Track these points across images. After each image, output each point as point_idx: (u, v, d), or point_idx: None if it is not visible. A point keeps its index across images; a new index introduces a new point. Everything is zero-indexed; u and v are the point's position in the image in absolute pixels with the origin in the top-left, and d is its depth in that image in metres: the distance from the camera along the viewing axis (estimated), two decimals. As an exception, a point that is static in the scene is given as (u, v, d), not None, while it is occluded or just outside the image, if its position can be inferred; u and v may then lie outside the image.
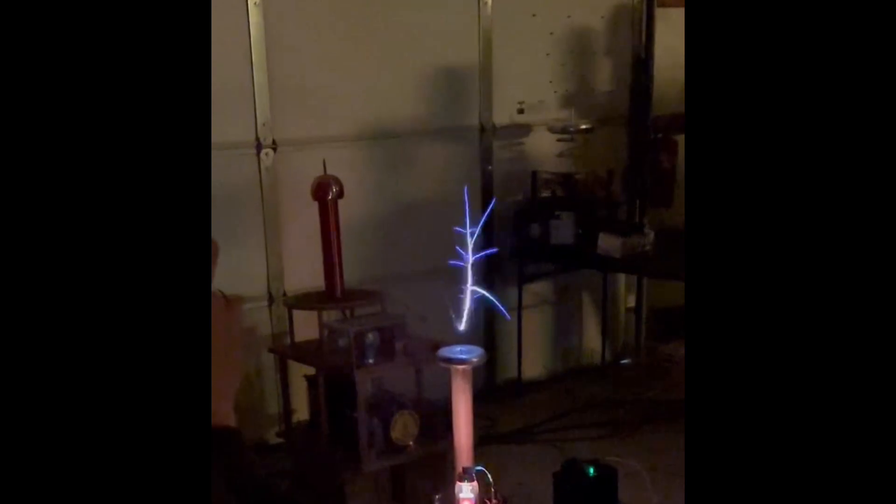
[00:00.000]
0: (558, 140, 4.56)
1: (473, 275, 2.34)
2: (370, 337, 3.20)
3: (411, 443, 3.27)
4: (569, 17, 4.76)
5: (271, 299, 4.06)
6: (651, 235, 4.28)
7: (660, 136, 4.85)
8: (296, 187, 3.79)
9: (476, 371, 2.41)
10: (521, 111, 4.67)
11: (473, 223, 2.37)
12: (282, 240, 4.05)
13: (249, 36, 3.83)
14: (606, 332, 5.10)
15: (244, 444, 1.20)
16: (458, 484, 2.31)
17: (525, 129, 4.69)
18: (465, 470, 2.34)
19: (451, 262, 2.27)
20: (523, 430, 4.23)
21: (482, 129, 4.58)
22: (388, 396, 3.32)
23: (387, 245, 4.25)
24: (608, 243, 4.19)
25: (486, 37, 4.50)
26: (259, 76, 3.88)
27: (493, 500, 2.34)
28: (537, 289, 4.86)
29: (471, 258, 2.36)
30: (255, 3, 3.82)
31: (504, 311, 2.85)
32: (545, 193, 4.57)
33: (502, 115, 4.62)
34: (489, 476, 2.35)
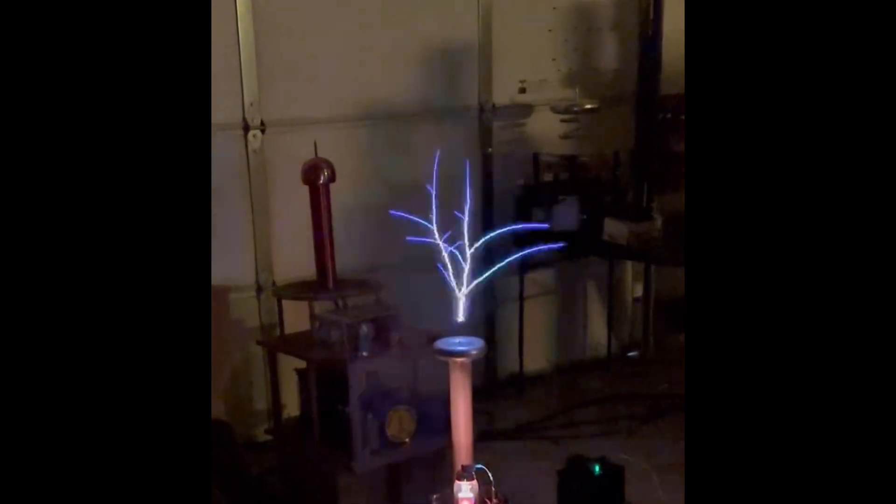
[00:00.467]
0: (562, 121, 4.54)
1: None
2: (364, 328, 3.18)
3: (407, 440, 3.26)
4: (573, -10, 4.75)
5: (260, 289, 4.04)
6: (659, 221, 4.27)
7: (668, 116, 4.83)
8: (285, 171, 3.77)
9: (475, 364, 2.40)
10: (522, 90, 4.65)
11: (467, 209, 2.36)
12: (271, 226, 4.03)
13: (236, 10, 3.81)
14: (612, 323, 5.09)
15: (235, 439, 1.21)
16: (457, 483, 2.31)
17: (527, 109, 4.67)
18: (464, 468, 2.33)
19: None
20: (525, 426, 4.23)
21: (481, 110, 4.56)
22: (383, 391, 3.31)
23: (381, 232, 4.23)
24: (614, 229, 4.18)
25: (485, 11, 4.47)
26: (246, 53, 3.86)
27: (494, 500, 2.33)
28: (539, 277, 4.84)
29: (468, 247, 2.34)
30: (241, -24, 3.80)
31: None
32: (548, 177, 4.56)
33: (502, 95, 4.60)
34: (489, 475, 2.34)
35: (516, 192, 4.59)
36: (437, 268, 2.36)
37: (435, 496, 2.43)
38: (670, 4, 4.85)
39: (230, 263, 3.84)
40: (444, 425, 2.65)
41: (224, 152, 3.84)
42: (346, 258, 3.70)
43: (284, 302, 3.52)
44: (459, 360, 2.31)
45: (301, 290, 3.55)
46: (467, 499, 2.28)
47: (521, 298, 4.58)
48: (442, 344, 2.33)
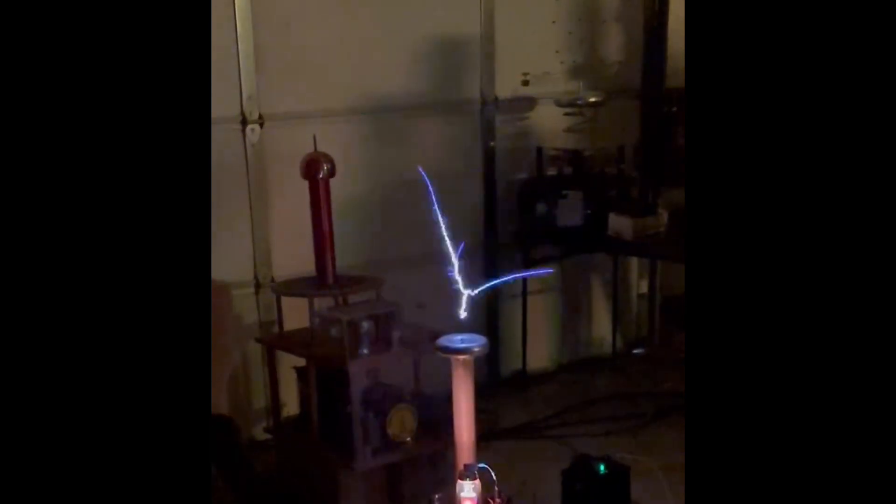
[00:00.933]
0: (565, 114, 4.53)
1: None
2: (365, 326, 3.18)
3: (409, 439, 3.26)
4: (577, -19, 4.74)
5: (258, 286, 4.04)
6: (665, 216, 4.26)
7: (674, 109, 4.82)
8: (284, 165, 3.76)
9: (478, 362, 2.40)
10: (525, 83, 4.64)
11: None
12: (269, 222, 4.03)
13: (234, 2, 3.80)
14: (617, 319, 5.09)
15: (239, 433, 1.22)
16: (460, 482, 2.31)
17: (530, 102, 4.66)
18: (466, 467, 2.33)
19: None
20: (528, 425, 4.22)
21: (484, 103, 4.55)
22: (384, 389, 3.31)
23: (382, 227, 4.23)
24: (619, 224, 4.18)
25: (487, 3, 4.46)
26: (244, 45, 3.85)
27: (497, 500, 2.33)
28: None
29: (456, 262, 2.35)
30: (239, -34, 3.80)
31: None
32: (551, 171, 4.56)
33: (505, 88, 4.59)
34: (492, 474, 2.34)
35: (519, 187, 4.59)
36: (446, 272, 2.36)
37: (437, 496, 2.43)
38: (676, -5, 4.84)
39: (228, 260, 3.84)
40: (446, 424, 2.65)
41: (222, 146, 3.83)
42: (347, 254, 3.70)
43: (283, 299, 3.52)
44: (462, 357, 2.31)
45: (300, 286, 3.54)
46: (470, 498, 2.29)
47: (525, 295, 4.58)
48: (444, 341, 2.33)
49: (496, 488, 2.34)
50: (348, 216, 3.93)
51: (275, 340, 3.59)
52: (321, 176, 3.39)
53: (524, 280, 4.54)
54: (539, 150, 4.51)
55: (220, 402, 2.62)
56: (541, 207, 4.44)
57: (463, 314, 2.39)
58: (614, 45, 4.94)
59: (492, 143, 4.59)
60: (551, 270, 3.79)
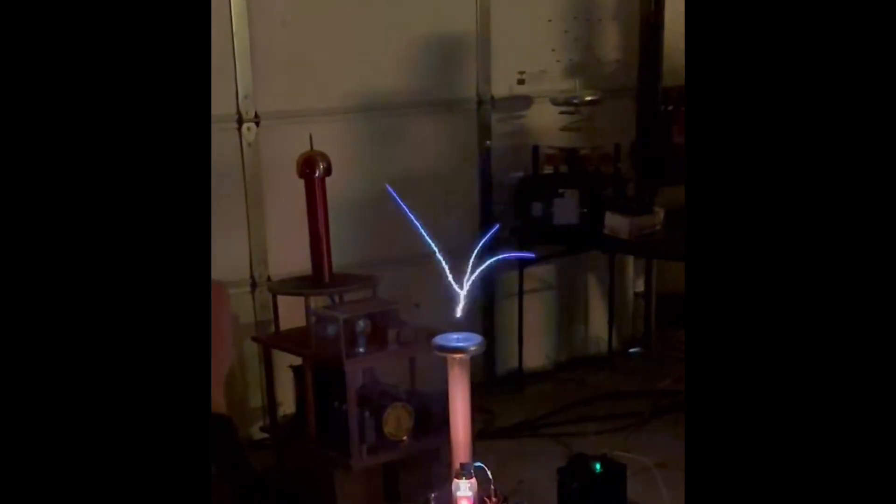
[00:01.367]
0: (561, 113, 4.53)
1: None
2: (361, 324, 3.19)
3: (405, 437, 3.26)
4: (573, -21, 4.74)
5: (254, 285, 4.04)
6: (661, 215, 4.26)
7: (670, 108, 4.83)
8: (280, 164, 3.76)
9: (474, 360, 2.40)
10: (521, 82, 4.64)
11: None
12: (265, 221, 4.03)
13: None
14: (613, 318, 5.09)
15: (236, 431, 1.22)
16: (456, 481, 2.31)
17: (526, 100, 4.66)
18: (462, 466, 2.33)
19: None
20: (525, 423, 4.23)
21: (480, 102, 4.55)
22: (381, 388, 3.31)
23: (378, 226, 4.23)
24: (615, 223, 4.18)
25: (483, 1, 4.46)
26: (240, 44, 3.85)
27: (493, 499, 2.34)
28: (539, 272, 4.84)
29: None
30: (235, -35, 3.80)
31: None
32: (547, 170, 4.55)
33: (501, 87, 4.59)
34: (488, 473, 2.34)
35: (515, 185, 4.59)
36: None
37: (433, 495, 2.43)
38: (672, -6, 4.85)
39: (224, 258, 3.84)
40: (443, 422, 2.66)
41: (218, 145, 3.83)
42: (343, 253, 3.70)
43: (279, 298, 3.52)
44: (458, 356, 2.31)
45: (296, 285, 3.55)
46: (466, 497, 2.29)
47: (521, 294, 4.58)
48: (440, 340, 2.33)
49: (492, 487, 2.34)
50: (344, 215, 3.93)
51: (271, 339, 3.59)
52: (317, 175, 3.39)
53: (520, 279, 4.54)
54: (535, 149, 4.51)
55: (218, 401, 2.62)
56: (537, 206, 4.44)
57: (459, 313, 2.40)
58: (610, 43, 4.94)
59: (488, 142, 4.59)
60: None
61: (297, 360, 3.41)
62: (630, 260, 5.22)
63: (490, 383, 4.62)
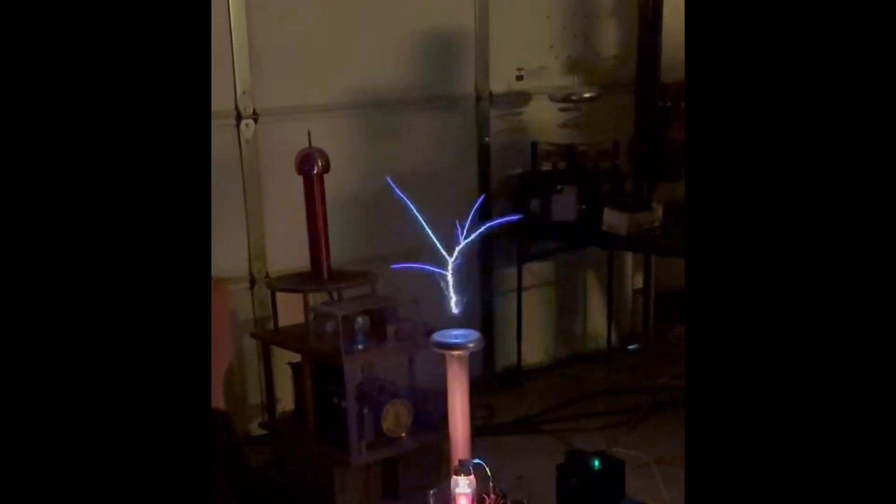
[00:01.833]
0: (560, 109, 4.53)
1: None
2: (359, 321, 3.19)
3: (404, 434, 3.26)
4: (571, -25, 4.74)
5: (253, 281, 4.04)
6: (659, 211, 4.26)
7: (669, 104, 4.82)
8: (279, 161, 3.76)
9: (473, 357, 2.40)
10: (519, 78, 4.64)
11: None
12: (264, 217, 4.02)
13: (227, -3, 3.80)
14: (612, 314, 5.09)
15: (235, 427, 1.22)
16: (454, 478, 2.31)
17: (524, 97, 4.66)
18: (461, 463, 2.33)
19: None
20: (523, 420, 4.23)
21: (478, 98, 4.55)
22: (379, 384, 3.31)
23: (376, 222, 4.23)
24: (614, 219, 4.18)
25: (481, -3, 4.47)
26: (238, 40, 3.85)
27: (492, 495, 2.33)
28: (538, 268, 4.84)
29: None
30: (232, -39, 3.79)
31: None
32: (546, 166, 4.55)
33: (500, 83, 4.59)
34: (487, 469, 2.34)
35: (514, 182, 4.59)
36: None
37: (432, 491, 2.43)
38: (671, -11, 4.84)
39: (223, 255, 3.84)
40: (441, 419, 2.66)
41: (216, 142, 3.82)
42: (341, 249, 3.70)
43: (278, 294, 3.52)
44: (456, 352, 2.31)
45: (295, 281, 3.55)
46: (464, 494, 2.29)
47: (520, 290, 4.58)
48: (438, 336, 2.33)
49: (491, 483, 2.34)
50: (343, 211, 3.93)
51: (270, 336, 3.59)
52: (316, 171, 3.39)
53: (519, 275, 4.54)
54: (533, 145, 4.51)
55: (217, 398, 2.62)
56: (535, 203, 4.44)
57: (456, 309, 2.40)
58: (609, 40, 4.94)
59: (486, 139, 4.59)
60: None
61: (296, 357, 3.41)
62: (628, 256, 5.22)
63: (489, 379, 4.62)
